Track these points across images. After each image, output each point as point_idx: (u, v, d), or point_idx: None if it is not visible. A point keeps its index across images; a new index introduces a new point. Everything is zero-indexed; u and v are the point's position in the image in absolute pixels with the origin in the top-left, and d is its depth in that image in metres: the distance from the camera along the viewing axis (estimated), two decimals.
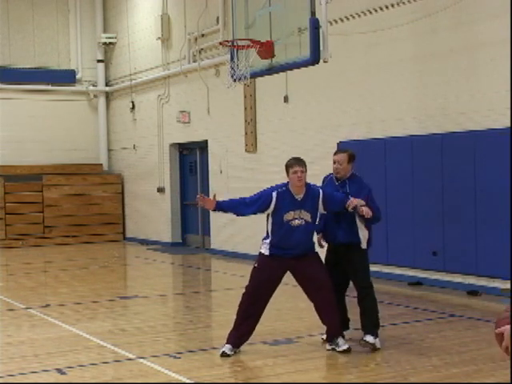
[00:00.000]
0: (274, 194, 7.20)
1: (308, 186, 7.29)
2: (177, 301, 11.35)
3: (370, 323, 7.45)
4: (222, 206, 7.34)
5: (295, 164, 7.21)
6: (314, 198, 7.25)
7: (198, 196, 7.39)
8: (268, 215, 7.29)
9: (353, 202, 7.27)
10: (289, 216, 7.18)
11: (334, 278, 7.49)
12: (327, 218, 7.54)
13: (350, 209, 7.28)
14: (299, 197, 7.23)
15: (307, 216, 7.22)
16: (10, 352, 7.68)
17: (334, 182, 7.61)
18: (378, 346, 7.35)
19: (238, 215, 7.47)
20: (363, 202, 7.30)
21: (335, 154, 7.67)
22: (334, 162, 7.58)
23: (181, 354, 7.40)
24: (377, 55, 12.19)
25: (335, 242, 7.54)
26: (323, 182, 7.80)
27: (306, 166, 7.23)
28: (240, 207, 7.34)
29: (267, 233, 7.33)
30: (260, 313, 7.38)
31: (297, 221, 7.19)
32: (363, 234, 7.43)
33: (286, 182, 7.31)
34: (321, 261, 7.41)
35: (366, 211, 7.24)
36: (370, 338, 7.33)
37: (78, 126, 20.87)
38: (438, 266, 11.06)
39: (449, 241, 10.84)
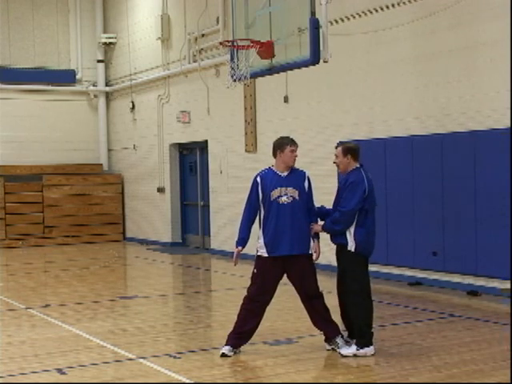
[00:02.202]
0: (258, 178, 7.34)
1: (292, 167, 7.37)
2: (177, 301, 11.35)
3: (355, 330, 7.34)
4: (243, 237, 7.33)
5: (293, 143, 7.34)
6: (300, 177, 7.35)
7: (234, 263, 7.41)
8: (261, 207, 7.31)
9: (314, 228, 7.36)
10: (275, 193, 7.21)
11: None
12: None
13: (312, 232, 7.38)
14: (284, 174, 7.31)
15: (295, 193, 7.24)
16: (10, 352, 7.69)
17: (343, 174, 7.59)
18: (346, 353, 7.20)
19: (252, 224, 7.38)
20: (318, 229, 7.36)
21: (335, 148, 7.65)
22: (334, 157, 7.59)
23: (181, 354, 7.40)
24: (377, 55, 12.19)
25: (331, 240, 7.52)
26: None
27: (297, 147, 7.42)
28: (245, 218, 7.37)
29: (260, 228, 7.33)
30: (261, 316, 7.39)
31: (284, 197, 7.21)
32: (350, 236, 7.23)
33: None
34: (313, 266, 7.39)
35: (313, 228, 7.35)
36: (345, 350, 7.22)
37: (78, 126, 20.88)
38: (438, 266, 11.06)
39: (449, 241, 10.84)
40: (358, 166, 7.44)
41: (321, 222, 7.46)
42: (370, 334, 7.29)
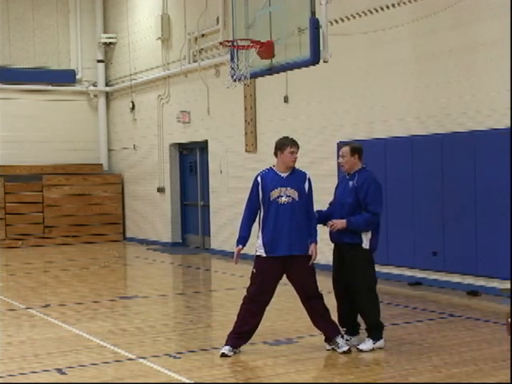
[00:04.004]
0: (259, 178, 7.35)
1: (293, 168, 7.38)
2: (177, 301, 11.35)
3: (368, 326, 7.46)
4: (243, 236, 7.34)
5: (293, 144, 7.33)
6: (300, 177, 7.35)
7: (235, 262, 7.40)
8: (260, 207, 7.32)
9: (336, 224, 7.32)
10: (275, 193, 7.22)
11: (344, 280, 7.47)
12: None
13: (330, 229, 7.40)
14: (284, 174, 7.31)
15: (294, 194, 7.24)
16: (10, 352, 7.69)
17: (346, 175, 7.58)
18: (367, 348, 7.33)
19: (252, 223, 7.39)
20: (343, 225, 7.30)
21: (339, 148, 7.66)
22: (339, 156, 7.57)
23: (181, 354, 7.40)
24: (377, 55, 12.19)
25: (339, 240, 7.48)
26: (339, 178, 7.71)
27: (299, 148, 7.37)
28: (245, 217, 7.39)
29: (259, 228, 7.34)
30: (260, 316, 7.39)
31: (283, 198, 7.21)
32: (366, 234, 7.36)
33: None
34: (313, 266, 7.37)
35: (334, 224, 7.33)
36: (364, 346, 7.35)
37: (78, 126, 20.88)
38: (438, 266, 11.06)
39: (449, 241, 10.84)
40: (363, 166, 7.50)
41: (342, 220, 7.33)
42: (383, 326, 7.46)
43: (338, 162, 7.62)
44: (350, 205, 7.37)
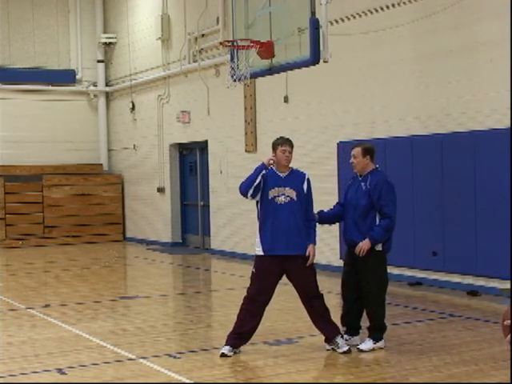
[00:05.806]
0: (264, 171, 7.35)
1: (292, 168, 7.40)
2: (177, 301, 11.36)
3: (372, 326, 7.48)
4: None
5: (285, 143, 7.35)
6: (299, 178, 7.36)
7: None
8: (257, 204, 7.35)
9: (363, 247, 7.26)
10: (273, 192, 7.24)
11: (354, 282, 7.46)
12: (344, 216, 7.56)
13: (361, 255, 7.30)
14: (283, 174, 7.33)
15: (292, 193, 7.25)
16: (11, 352, 7.69)
17: (358, 177, 7.54)
18: (367, 348, 7.36)
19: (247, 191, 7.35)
20: (369, 245, 7.25)
21: (351, 148, 7.64)
22: (351, 157, 7.56)
23: (182, 354, 7.41)
24: (378, 55, 12.20)
25: (353, 243, 7.42)
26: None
27: (293, 147, 7.34)
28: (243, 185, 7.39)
29: (258, 226, 7.35)
30: (260, 316, 7.39)
31: (282, 197, 7.23)
32: None
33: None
34: (312, 266, 7.35)
35: (362, 249, 7.26)
36: (364, 346, 7.37)
37: (78, 126, 20.89)
38: (438, 266, 11.07)
39: (449, 241, 10.85)
40: (376, 166, 7.49)
41: (365, 241, 7.26)
42: (386, 328, 7.50)
43: (350, 163, 7.57)
44: (363, 207, 7.33)
